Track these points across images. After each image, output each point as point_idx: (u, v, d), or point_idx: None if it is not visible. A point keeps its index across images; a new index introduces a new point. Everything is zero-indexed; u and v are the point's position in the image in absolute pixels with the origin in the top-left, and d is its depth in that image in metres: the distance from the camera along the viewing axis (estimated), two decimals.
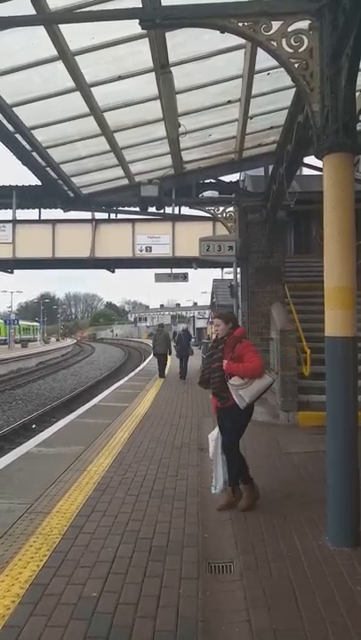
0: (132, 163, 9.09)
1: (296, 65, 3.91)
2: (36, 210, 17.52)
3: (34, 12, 4.72)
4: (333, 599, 2.99)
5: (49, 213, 17.13)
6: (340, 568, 3.38)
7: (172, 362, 18.08)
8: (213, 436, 4.74)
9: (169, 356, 17.03)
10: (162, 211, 11.73)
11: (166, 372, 17.23)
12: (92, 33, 5.33)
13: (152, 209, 10.82)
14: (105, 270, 19.37)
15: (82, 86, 6.24)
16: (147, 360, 29.39)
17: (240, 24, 3.95)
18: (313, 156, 4.66)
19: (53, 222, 17.15)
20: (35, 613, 2.85)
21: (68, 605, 2.92)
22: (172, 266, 18.81)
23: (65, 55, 5.58)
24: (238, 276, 13.15)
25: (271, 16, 3.92)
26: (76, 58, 5.72)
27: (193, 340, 36.92)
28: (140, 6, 4.32)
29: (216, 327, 4.78)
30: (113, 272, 19.48)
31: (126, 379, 17.98)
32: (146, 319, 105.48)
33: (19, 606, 2.92)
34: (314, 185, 10.66)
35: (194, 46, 5.92)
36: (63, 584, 3.17)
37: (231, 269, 15.53)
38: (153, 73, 6.19)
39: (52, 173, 8.84)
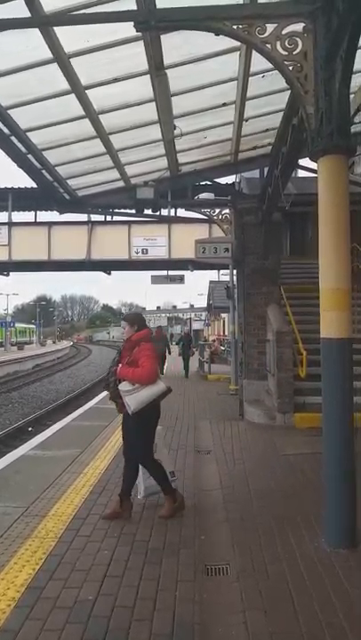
0: (127, 165, 9.08)
1: (290, 67, 3.93)
2: (32, 212, 17.52)
3: (29, 15, 4.71)
4: (330, 601, 2.99)
5: (45, 215, 17.17)
6: (337, 570, 3.38)
7: (169, 362, 19.17)
8: None
9: (167, 356, 18.32)
10: (158, 213, 11.71)
11: (165, 371, 18.13)
12: (88, 35, 5.31)
13: (148, 211, 10.79)
14: (101, 272, 19.39)
15: (77, 88, 6.23)
16: None
17: (235, 27, 3.96)
18: (308, 158, 4.68)
19: (49, 224, 17.18)
20: (30, 617, 2.84)
21: (64, 609, 2.91)
22: (169, 268, 18.85)
23: (60, 57, 5.57)
24: (234, 277, 13.18)
25: (265, 19, 3.93)
26: (72, 60, 5.71)
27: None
28: (135, 9, 4.34)
29: (123, 329, 4.64)
30: (109, 274, 19.51)
31: None
32: None
33: (14, 610, 2.91)
34: (309, 187, 10.68)
35: (189, 48, 5.93)
36: (59, 587, 3.16)
37: (228, 271, 15.61)
38: (148, 75, 6.18)
39: (48, 176, 8.82)
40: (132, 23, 4.16)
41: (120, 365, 4.40)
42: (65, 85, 6.14)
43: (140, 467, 4.50)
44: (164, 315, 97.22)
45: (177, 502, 4.41)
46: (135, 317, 4.70)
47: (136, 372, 4.28)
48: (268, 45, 3.92)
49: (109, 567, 3.43)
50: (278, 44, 3.91)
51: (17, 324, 63.91)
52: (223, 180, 12.67)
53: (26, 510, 4.46)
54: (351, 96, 4.64)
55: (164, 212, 14.55)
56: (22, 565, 3.45)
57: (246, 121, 8.13)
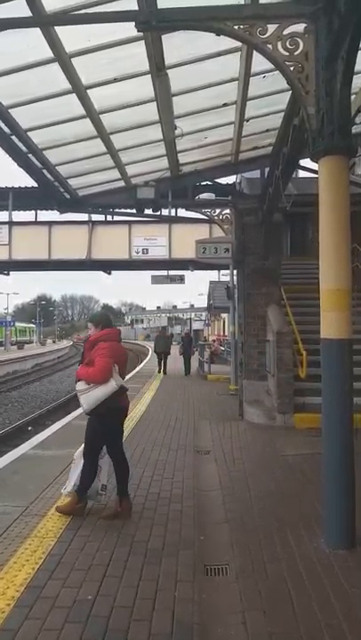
0: (128, 165, 9.07)
1: (292, 68, 3.93)
2: (33, 211, 17.52)
3: (30, 14, 4.72)
4: (329, 601, 2.99)
5: (45, 215, 17.18)
6: (336, 570, 3.38)
7: (170, 362, 19.92)
8: None
9: (169, 355, 19.47)
10: (158, 213, 11.69)
11: (167, 370, 19.22)
12: (89, 35, 5.31)
13: (148, 211, 10.77)
14: (102, 272, 19.40)
15: (78, 88, 6.23)
16: (143, 362, 29.35)
17: (236, 27, 3.97)
18: (309, 159, 4.67)
19: (50, 224, 17.18)
20: (30, 616, 2.84)
21: (64, 608, 2.91)
22: (169, 268, 18.85)
23: (61, 57, 5.57)
24: (235, 278, 13.17)
25: (267, 19, 3.94)
26: (72, 60, 5.71)
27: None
28: (137, 9, 4.33)
29: (89, 331, 4.61)
30: (109, 274, 19.52)
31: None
32: (142, 321, 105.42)
33: (14, 609, 2.91)
34: (310, 187, 10.67)
35: (190, 48, 5.93)
36: (58, 587, 3.16)
37: (228, 271, 15.62)
38: (149, 75, 6.18)
39: (49, 175, 8.82)
40: (133, 23, 4.17)
41: (80, 366, 4.42)
42: (66, 85, 6.14)
43: (75, 463, 4.50)
44: (164, 315, 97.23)
45: (79, 505, 4.34)
46: (100, 318, 4.67)
47: (89, 372, 4.28)
48: (270, 46, 3.92)
49: (109, 567, 3.43)
50: (279, 44, 3.91)
51: (17, 324, 63.93)
52: (224, 181, 12.67)
53: (25, 510, 4.46)
54: (352, 97, 4.64)
55: (165, 211, 14.52)
56: (22, 565, 3.45)
57: (247, 121, 8.13)
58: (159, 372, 18.99)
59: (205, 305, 47.25)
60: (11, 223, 17.15)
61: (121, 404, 4.51)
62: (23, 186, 16.23)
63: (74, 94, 6.36)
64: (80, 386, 4.35)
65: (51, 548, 3.70)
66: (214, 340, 28.57)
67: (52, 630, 2.71)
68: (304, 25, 3.92)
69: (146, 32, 4.90)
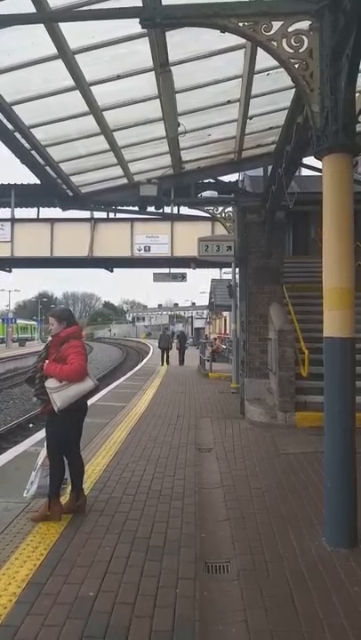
0: (131, 162, 9.06)
1: (296, 65, 3.92)
2: (35, 208, 17.49)
3: (34, 11, 4.71)
4: (330, 600, 3.00)
5: (47, 212, 17.13)
6: (338, 569, 3.38)
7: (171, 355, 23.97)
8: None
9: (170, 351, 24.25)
10: (161, 210, 11.68)
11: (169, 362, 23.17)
12: (92, 32, 5.31)
13: (151, 208, 10.78)
14: (103, 269, 19.38)
15: (81, 85, 6.22)
16: (145, 360, 29.39)
17: (240, 24, 3.96)
18: (312, 157, 4.66)
19: (52, 221, 17.14)
20: (31, 613, 2.85)
21: (65, 605, 2.92)
22: (171, 266, 18.82)
23: (65, 54, 5.55)
24: (237, 276, 13.16)
25: (271, 16, 3.93)
26: (76, 56, 5.70)
27: (191, 339, 41.97)
28: (141, 5, 4.32)
29: (50, 326, 4.49)
30: (111, 271, 19.49)
31: (124, 378, 18.00)
32: (144, 319, 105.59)
33: (15, 605, 2.92)
34: (313, 186, 10.65)
35: (194, 46, 5.91)
36: (60, 583, 3.17)
37: (230, 270, 15.59)
38: (153, 72, 6.17)
39: (51, 172, 8.81)
40: (137, 20, 4.16)
41: (47, 362, 4.28)
42: (69, 82, 6.13)
43: (41, 465, 4.37)
44: (165, 312, 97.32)
45: (50, 512, 4.21)
46: (63, 313, 4.53)
47: (64, 369, 4.17)
48: (274, 43, 3.91)
49: (110, 564, 3.43)
50: (284, 41, 3.90)
51: (18, 321, 63.99)
52: (227, 178, 12.62)
53: (27, 506, 4.47)
54: (357, 95, 4.62)
55: (167, 209, 14.49)
56: (23, 561, 3.46)
57: (250, 119, 8.10)
58: (162, 364, 22.56)
59: (207, 303, 47.26)
60: (13, 220, 17.12)
61: (85, 401, 4.49)
62: (25, 183, 16.19)
63: (77, 91, 6.35)
64: (52, 383, 4.21)
65: (52, 545, 3.71)
66: (215, 339, 28.57)
67: (54, 626, 2.71)
68: (309, 22, 3.91)
69: (150, 29, 4.89)
